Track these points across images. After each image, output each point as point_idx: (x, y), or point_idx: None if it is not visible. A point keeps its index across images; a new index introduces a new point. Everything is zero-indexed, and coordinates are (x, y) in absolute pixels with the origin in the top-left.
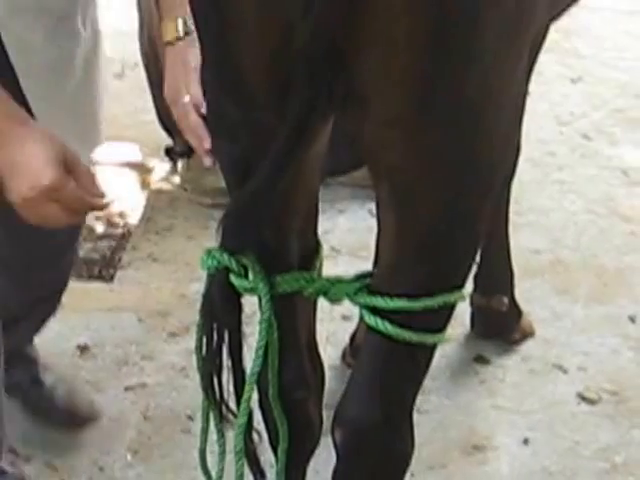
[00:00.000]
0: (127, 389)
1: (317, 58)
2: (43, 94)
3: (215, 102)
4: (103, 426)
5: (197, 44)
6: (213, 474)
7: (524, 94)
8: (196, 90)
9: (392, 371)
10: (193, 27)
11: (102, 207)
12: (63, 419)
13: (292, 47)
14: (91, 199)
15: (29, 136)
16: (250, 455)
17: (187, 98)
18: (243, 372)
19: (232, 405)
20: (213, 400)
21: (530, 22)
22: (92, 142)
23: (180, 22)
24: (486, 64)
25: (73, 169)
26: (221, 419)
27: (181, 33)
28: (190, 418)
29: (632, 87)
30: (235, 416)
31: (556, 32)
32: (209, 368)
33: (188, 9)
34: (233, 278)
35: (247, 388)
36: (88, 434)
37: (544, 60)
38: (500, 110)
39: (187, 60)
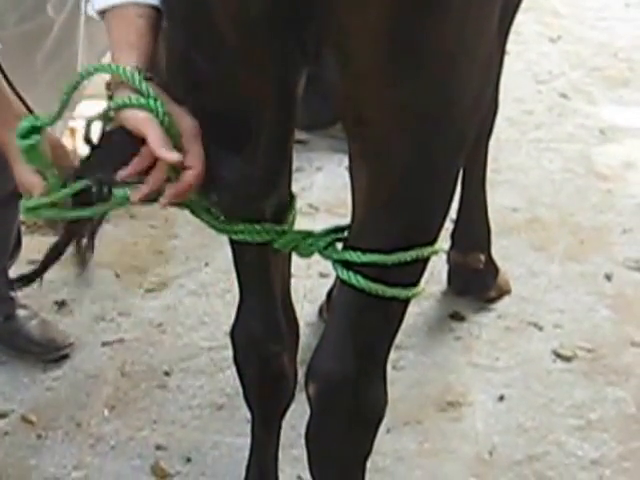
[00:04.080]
0: (104, 345)
1: (287, 8)
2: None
3: (183, 53)
4: (80, 381)
5: None
6: None
7: (497, 48)
8: None
9: (365, 325)
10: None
11: None
12: (38, 351)
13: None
14: None
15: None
16: None
17: None
18: None
19: None
20: None
21: None
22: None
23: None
24: (460, 14)
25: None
26: None
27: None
28: (167, 374)
29: (610, 46)
30: None
31: None
32: None
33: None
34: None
35: None
36: (65, 389)
37: (523, 19)
38: (473, 62)
39: None
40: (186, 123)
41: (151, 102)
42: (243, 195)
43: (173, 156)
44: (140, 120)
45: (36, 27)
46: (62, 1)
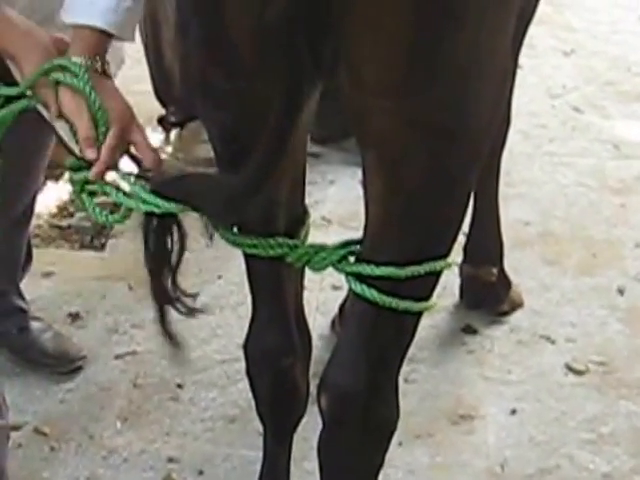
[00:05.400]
0: (117, 357)
1: (303, 24)
2: None
3: (202, 73)
4: (93, 394)
5: None
6: None
7: (511, 62)
8: None
9: (378, 338)
10: None
11: None
12: (51, 363)
13: (278, 14)
14: None
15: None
16: None
17: None
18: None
19: None
20: None
21: None
22: None
23: None
24: (474, 28)
25: None
26: None
27: None
28: (179, 386)
29: (624, 60)
30: None
31: (549, 5)
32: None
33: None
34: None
35: None
36: (78, 401)
37: (537, 33)
38: (487, 76)
39: None
40: (117, 105)
41: (81, 84)
42: (221, 201)
43: (89, 154)
44: (73, 110)
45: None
46: None
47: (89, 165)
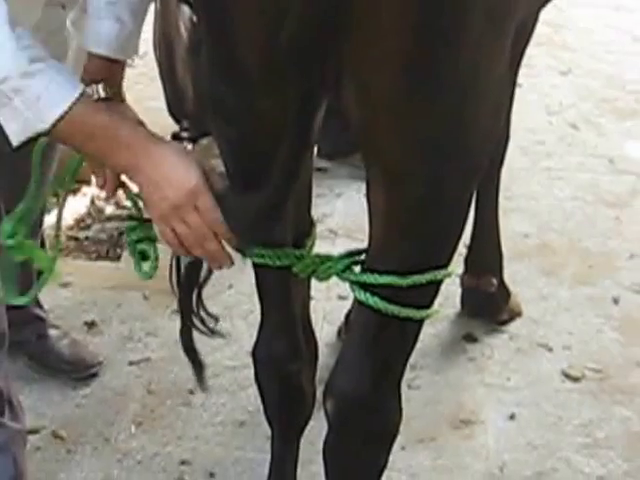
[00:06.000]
0: (132, 364)
1: (309, 42)
2: None
3: (214, 89)
4: (108, 399)
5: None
6: None
7: (509, 81)
8: None
9: (381, 344)
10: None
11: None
12: (68, 369)
13: (290, 35)
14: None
15: (167, 151)
16: None
17: None
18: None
19: None
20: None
21: (517, 3)
22: None
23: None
24: (474, 44)
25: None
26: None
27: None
28: (191, 392)
29: (619, 79)
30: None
31: (547, 26)
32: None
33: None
34: None
35: None
36: (94, 406)
37: (535, 53)
38: (485, 95)
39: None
40: None
41: None
42: (244, 226)
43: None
44: None
45: (56, 46)
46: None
47: (143, 222)
